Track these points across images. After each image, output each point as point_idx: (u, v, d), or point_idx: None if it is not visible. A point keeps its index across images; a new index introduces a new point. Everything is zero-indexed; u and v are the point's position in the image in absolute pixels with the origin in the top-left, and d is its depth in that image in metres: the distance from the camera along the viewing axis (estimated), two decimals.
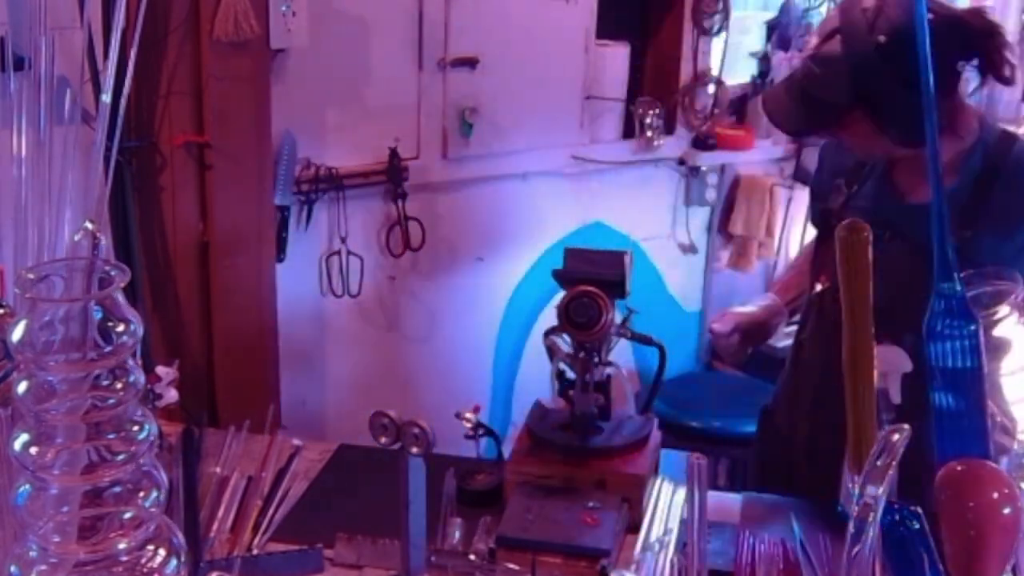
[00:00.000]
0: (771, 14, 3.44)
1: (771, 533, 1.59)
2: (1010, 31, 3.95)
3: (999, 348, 1.39)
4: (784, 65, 3.40)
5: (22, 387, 0.96)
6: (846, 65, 1.61)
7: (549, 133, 2.99)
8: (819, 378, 1.85)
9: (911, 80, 1.37)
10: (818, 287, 1.86)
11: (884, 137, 1.67)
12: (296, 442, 1.83)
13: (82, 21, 1.94)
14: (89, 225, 1.35)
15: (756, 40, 3.44)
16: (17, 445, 0.97)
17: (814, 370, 1.87)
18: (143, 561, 1.01)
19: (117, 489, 0.99)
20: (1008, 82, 1.64)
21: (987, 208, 1.66)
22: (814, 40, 1.68)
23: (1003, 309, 1.38)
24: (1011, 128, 1.81)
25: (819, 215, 1.89)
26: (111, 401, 0.96)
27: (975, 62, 1.65)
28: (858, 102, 1.64)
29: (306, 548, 1.51)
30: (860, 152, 1.78)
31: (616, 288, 1.60)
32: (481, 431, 1.73)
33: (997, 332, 1.39)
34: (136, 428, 0.99)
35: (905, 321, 1.42)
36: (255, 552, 1.55)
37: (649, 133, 3.14)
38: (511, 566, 1.46)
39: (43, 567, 0.98)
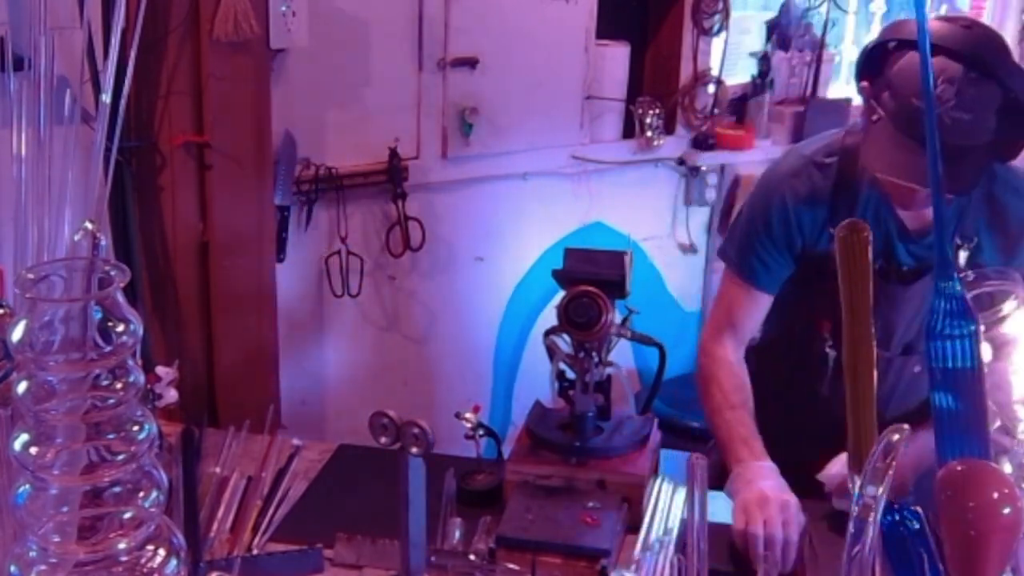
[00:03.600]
0: (771, 14, 3.44)
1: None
2: (1010, 31, 3.96)
3: (1007, 345, 1.39)
4: (784, 65, 3.40)
5: (22, 387, 0.96)
6: (1000, 96, 1.50)
7: (549, 133, 2.99)
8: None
9: None
10: (825, 336, 1.77)
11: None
12: (296, 442, 1.83)
13: (82, 21, 1.94)
14: (89, 225, 1.35)
15: (756, 40, 3.44)
16: (17, 445, 0.97)
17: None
18: (143, 561, 1.01)
19: (117, 489, 0.99)
20: None
21: (991, 214, 1.68)
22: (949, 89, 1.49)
23: (1008, 305, 1.38)
24: None
25: (790, 262, 1.77)
26: (111, 401, 0.96)
27: None
28: (1004, 138, 1.55)
29: (306, 548, 1.51)
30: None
31: (616, 288, 1.60)
32: (481, 431, 1.73)
33: (1003, 329, 1.39)
34: (136, 428, 0.99)
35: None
36: (255, 552, 1.55)
37: (649, 133, 3.14)
38: (511, 566, 1.46)
39: (43, 567, 0.98)
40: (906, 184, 1.55)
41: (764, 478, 1.60)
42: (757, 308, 1.82)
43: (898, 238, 1.70)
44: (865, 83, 1.65)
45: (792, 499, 1.55)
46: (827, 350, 1.77)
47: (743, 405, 1.75)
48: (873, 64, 1.63)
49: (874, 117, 1.60)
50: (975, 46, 1.51)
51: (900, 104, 1.55)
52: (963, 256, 1.66)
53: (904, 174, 1.54)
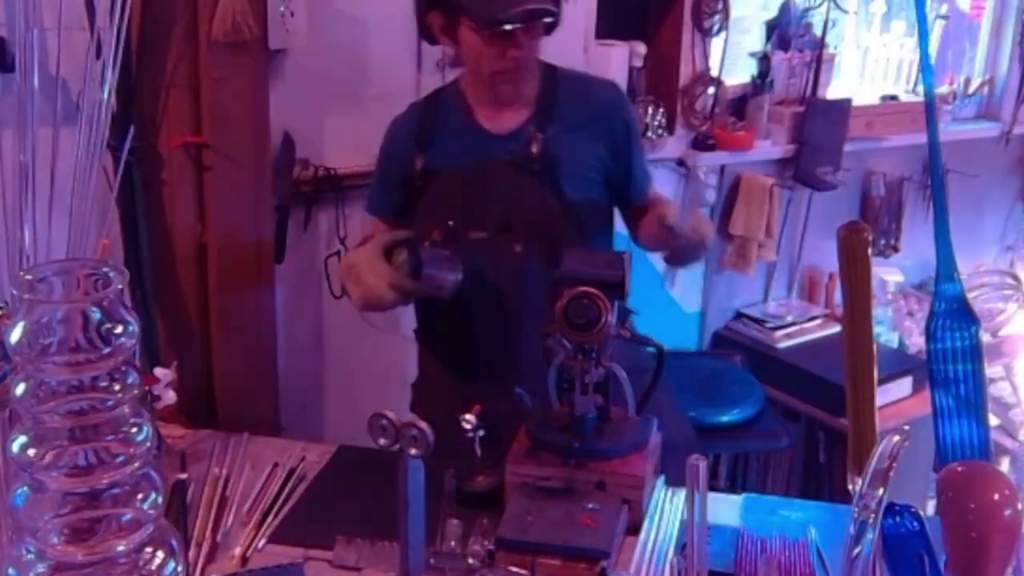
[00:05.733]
0: (771, 14, 3.43)
1: (772, 534, 1.59)
2: (1010, 31, 3.96)
3: (1014, 345, 1.40)
4: (784, 65, 3.40)
5: (20, 388, 0.95)
6: None
7: None
8: (487, 315, 1.96)
9: None
10: (436, 237, 1.94)
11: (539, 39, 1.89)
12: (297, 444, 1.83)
13: (89, 23, 1.94)
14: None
15: (756, 40, 3.44)
16: (15, 447, 0.96)
17: (476, 312, 1.96)
18: (141, 563, 1.01)
19: (115, 491, 0.99)
20: None
21: (554, 111, 1.94)
22: None
23: (1011, 307, 1.39)
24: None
25: (397, 189, 2.03)
26: (109, 403, 0.96)
27: None
28: None
29: (287, 564, 1.51)
30: (526, 68, 1.91)
31: (616, 289, 1.60)
32: (480, 432, 1.72)
33: (1006, 331, 1.39)
34: (134, 430, 0.99)
35: (521, 230, 1.87)
36: (248, 555, 1.55)
37: (649, 133, 3.14)
38: (510, 568, 1.45)
39: (41, 569, 0.98)
40: (525, 7, 1.78)
41: None
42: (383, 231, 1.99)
43: (488, 141, 1.95)
44: (434, 13, 1.90)
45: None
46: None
47: None
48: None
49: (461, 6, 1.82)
50: None
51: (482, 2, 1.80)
52: (535, 147, 1.90)
53: (515, 4, 1.78)
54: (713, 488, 1.62)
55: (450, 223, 1.92)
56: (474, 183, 1.94)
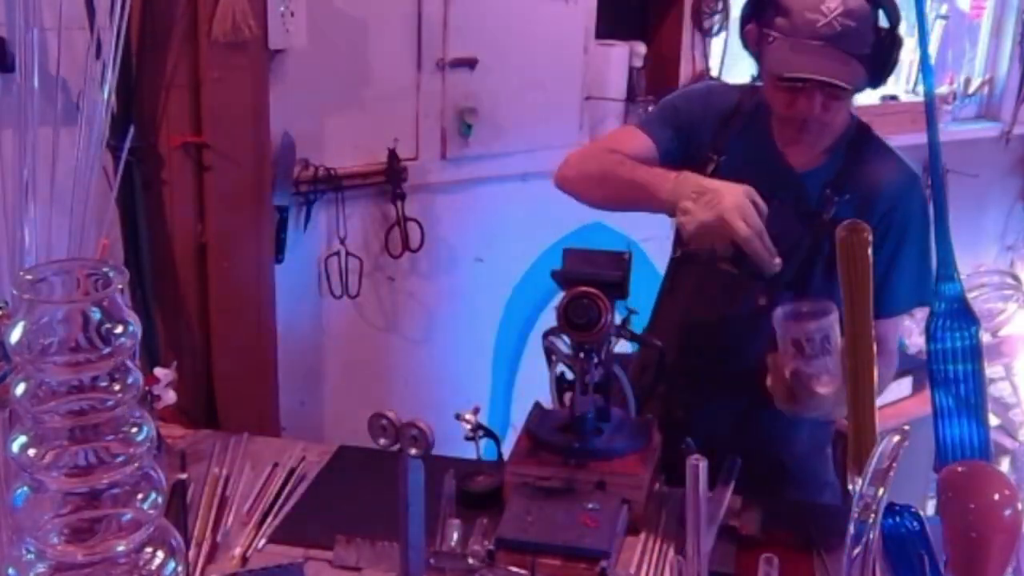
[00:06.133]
0: None
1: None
2: (1010, 31, 3.95)
3: (1014, 344, 1.40)
4: None
5: (20, 388, 0.95)
6: (874, 17, 1.65)
7: (548, 134, 2.99)
8: (706, 341, 1.88)
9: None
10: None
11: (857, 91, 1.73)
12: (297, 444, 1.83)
13: (89, 23, 1.94)
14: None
15: None
16: (15, 447, 0.96)
17: (697, 335, 1.89)
18: (141, 563, 1.00)
19: (115, 491, 0.98)
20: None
21: (853, 178, 1.77)
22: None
23: (1011, 307, 1.39)
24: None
25: (680, 145, 1.86)
26: (109, 403, 0.96)
27: None
28: (877, 54, 1.67)
29: (287, 564, 1.51)
30: (823, 127, 1.75)
31: (616, 289, 1.60)
32: (481, 432, 1.73)
33: (1006, 331, 1.39)
34: (134, 430, 0.99)
35: (790, 282, 1.71)
36: (248, 555, 1.55)
37: None
38: (510, 568, 1.45)
39: (41, 569, 0.98)
40: (812, 76, 1.64)
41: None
42: (642, 147, 1.84)
43: (781, 172, 1.80)
44: (751, 26, 1.76)
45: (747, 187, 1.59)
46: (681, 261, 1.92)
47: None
48: (757, 8, 1.75)
49: (769, 39, 1.70)
50: None
51: (794, 21, 1.65)
52: (831, 209, 1.74)
53: (809, 69, 1.64)
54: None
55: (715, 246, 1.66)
56: None
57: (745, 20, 1.79)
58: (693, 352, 1.89)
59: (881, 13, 1.68)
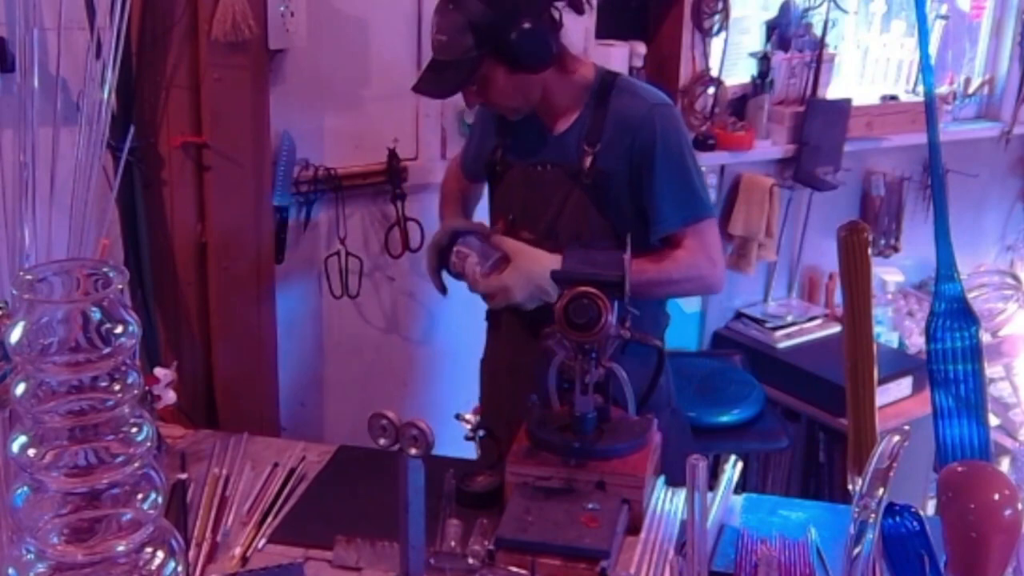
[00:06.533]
0: (771, 14, 3.43)
1: (772, 534, 1.59)
2: (1010, 31, 3.96)
3: (1014, 344, 1.40)
4: (784, 65, 3.40)
5: (20, 388, 0.95)
6: (464, 22, 1.79)
7: None
8: (519, 322, 2.01)
9: (519, 9, 1.79)
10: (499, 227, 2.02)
11: (519, 75, 1.85)
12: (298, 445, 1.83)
13: (89, 23, 1.94)
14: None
15: (756, 40, 3.44)
16: (15, 447, 0.96)
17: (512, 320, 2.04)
18: (141, 563, 1.00)
19: (115, 491, 0.99)
20: (580, 10, 1.94)
21: (598, 126, 1.91)
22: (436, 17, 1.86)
23: (1011, 307, 1.39)
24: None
25: (483, 167, 2.10)
26: (109, 403, 0.96)
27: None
28: (484, 51, 1.81)
29: (287, 564, 1.51)
30: (509, 108, 1.94)
31: (616, 289, 1.60)
32: (481, 432, 1.73)
33: (1006, 331, 1.39)
34: (134, 430, 0.99)
35: (567, 238, 1.88)
36: (248, 555, 1.55)
37: None
38: (510, 568, 1.45)
39: (41, 569, 0.98)
40: (416, 90, 1.90)
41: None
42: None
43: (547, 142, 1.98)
44: None
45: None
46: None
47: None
48: None
49: None
50: None
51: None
52: (588, 160, 1.89)
53: (419, 85, 1.89)
54: (713, 488, 1.62)
55: (510, 217, 2.00)
56: (532, 184, 1.98)
57: None
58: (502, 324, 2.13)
59: (473, 15, 1.80)
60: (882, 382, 2.80)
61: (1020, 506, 1.11)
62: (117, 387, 0.96)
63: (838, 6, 3.47)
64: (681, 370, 2.80)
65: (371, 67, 2.61)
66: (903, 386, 3.21)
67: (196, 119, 2.20)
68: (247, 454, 1.83)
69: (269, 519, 1.64)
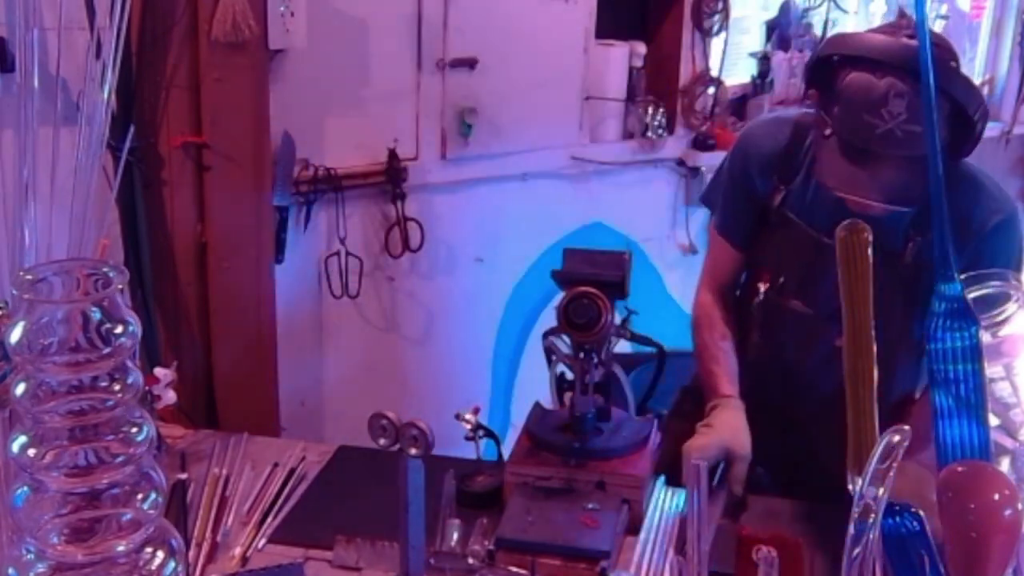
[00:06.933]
0: (771, 14, 3.43)
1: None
2: (1010, 31, 3.95)
3: (1014, 344, 1.40)
4: (784, 65, 3.40)
5: (20, 389, 0.95)
6: (949, 109, 1.49)
7: (548, 133, 2.99)
8: (780, 379, 1.85)
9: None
10: (761, 288, 1.80)
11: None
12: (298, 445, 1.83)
13: (89, 23, 1.94)
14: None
15: (756, 40, 3.44)
16: (15, 447, 0.96)
17: (771, 373, 1.85)
18: (141, 563, 1.00)
19: (115, 491, 0.98)
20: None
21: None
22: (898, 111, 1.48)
23: (1010, 307, 1.39)
24: None
25: (752, 213, 1.80)
26: (109, 403, 0.96)
27: None
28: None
29: (287, 564, 1.51)
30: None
31: (616, 289, 1.60)
32: (481, 432, 1.73)
33: (1007, 331, 1.39)
34: (134, 430, 0.99)
35: (891, 332, 1.54)
36: (248, 555, 1.55)
37: (649, 133, 3.13)
38: (510, 568, 1.45)
39: (41, 569, 0.98)
40: (861, 200, 1.53)
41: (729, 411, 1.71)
42: (729, 259, 1.89)
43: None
44: (813, 91, 1.64)
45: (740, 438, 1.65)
46: (755, 302, 1.82)
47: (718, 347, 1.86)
48: (820, 76, 1.61)
49: (826, 132, 1.58)
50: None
51: (851, 120, 1.52)
52: (911, 251, 1.65)
53: (858, 189, 1.53)
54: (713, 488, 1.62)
55: (781, 279, 1.74)
56: (824, 254, 1.59)
57: (808, 80, 1.67)
58: (766, 389, 1.83)
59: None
60: None
61: (1020, 506, 1.11)
62: (117, 387, 0.96)
63: (838, 6, 3.47)
64: (681, 370, 2.79)
65: (371, 67, 2.61)
66: None
67: (196, 119, 2.20)
68: (247, 454, 1.83)
69: (269, 519, 1.64)
